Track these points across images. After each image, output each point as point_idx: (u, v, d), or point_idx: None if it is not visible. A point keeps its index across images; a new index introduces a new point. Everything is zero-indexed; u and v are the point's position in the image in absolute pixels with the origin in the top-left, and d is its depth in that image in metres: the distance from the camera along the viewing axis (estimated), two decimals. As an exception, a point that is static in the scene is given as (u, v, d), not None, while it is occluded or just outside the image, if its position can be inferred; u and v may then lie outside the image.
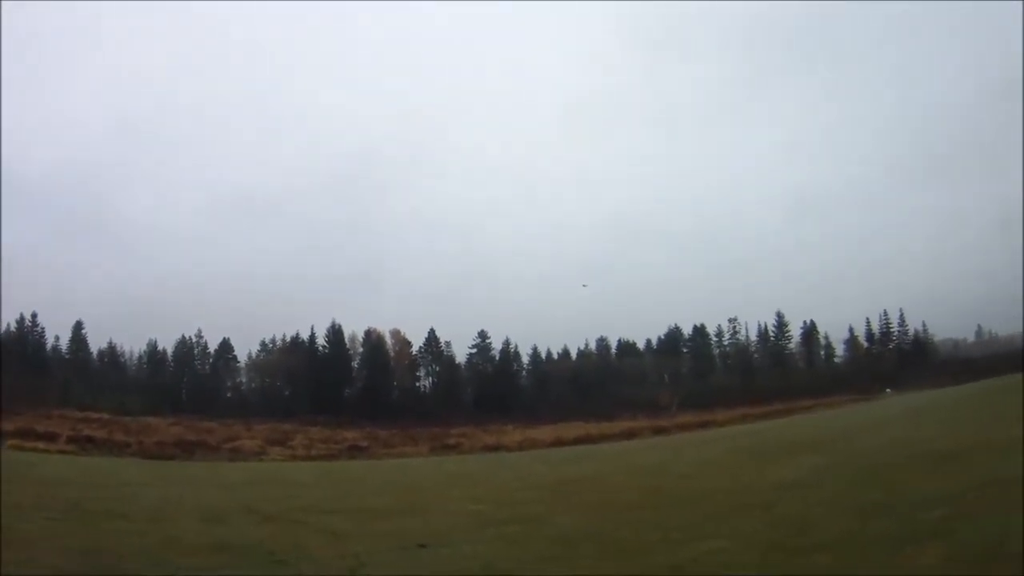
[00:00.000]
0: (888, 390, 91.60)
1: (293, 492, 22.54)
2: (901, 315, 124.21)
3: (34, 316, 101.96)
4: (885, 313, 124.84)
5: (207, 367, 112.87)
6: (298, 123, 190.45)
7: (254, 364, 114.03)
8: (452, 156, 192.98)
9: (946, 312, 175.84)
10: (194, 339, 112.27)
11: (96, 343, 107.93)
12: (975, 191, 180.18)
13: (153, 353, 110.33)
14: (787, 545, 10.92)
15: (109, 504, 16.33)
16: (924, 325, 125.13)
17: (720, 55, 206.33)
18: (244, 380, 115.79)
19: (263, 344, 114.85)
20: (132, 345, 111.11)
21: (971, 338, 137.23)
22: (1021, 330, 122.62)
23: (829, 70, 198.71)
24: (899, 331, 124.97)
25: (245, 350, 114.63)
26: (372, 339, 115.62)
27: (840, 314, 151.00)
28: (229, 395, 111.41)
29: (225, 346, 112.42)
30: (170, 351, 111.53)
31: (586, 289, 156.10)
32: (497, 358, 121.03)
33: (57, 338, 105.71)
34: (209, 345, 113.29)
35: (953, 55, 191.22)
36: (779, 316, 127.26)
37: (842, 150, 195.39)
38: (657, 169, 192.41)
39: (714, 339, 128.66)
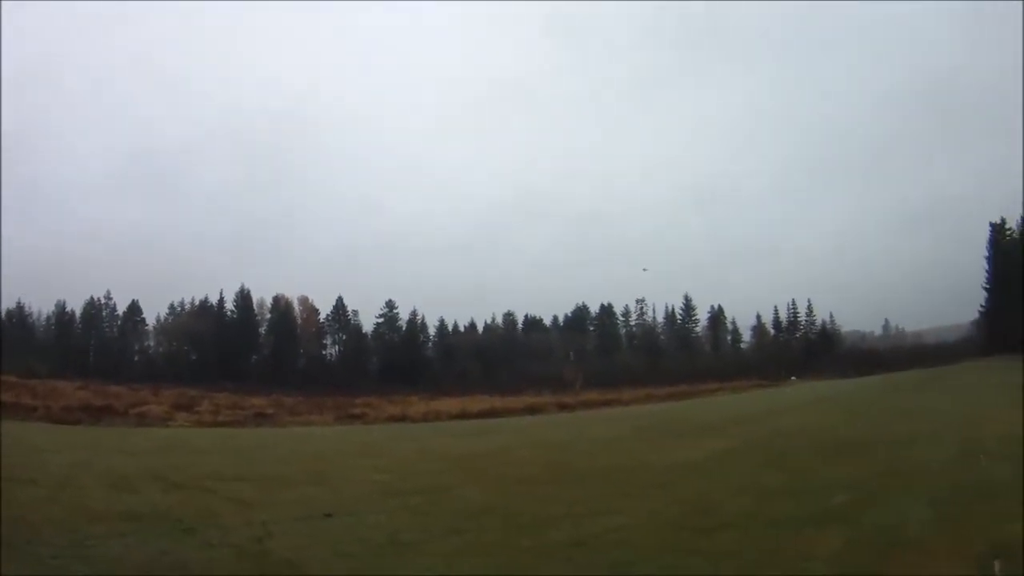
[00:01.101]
0: (793, 378, 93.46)
1: (200, 459, 22.41)
2: (809, 305, 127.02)
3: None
4: (793, 302, 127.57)
5: (115, 330, 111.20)
6: (213, 85, 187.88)
7: (162, 328, 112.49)
8: (366, 127, 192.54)
9: (854, 305, 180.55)
10: (103, 300, 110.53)
11: (4, 304, 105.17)
12: (887, 192, 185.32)
13: (61, 314, 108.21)
14: (689, 524, 11.22)
15: (18, 471, 15.98)
16: (831, 316, 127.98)
17: (635, 47, 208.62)
18: (152, 344, 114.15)
19: (172, 307, 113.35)
20: (40, 306, 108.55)
21: (878, 331, 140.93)
22: (929, 326, 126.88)
23: (748, 65, 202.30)
24: (806, 320, 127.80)
25: (154, 313, 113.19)
26: (280, 305, 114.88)
27: (748, 301, 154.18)
28: (137, 359, 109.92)
29: (134, 308, 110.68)
30: (79, 312, 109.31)
31: (500, 263, 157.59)
32: (404, 328, 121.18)
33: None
34: (118, 307, 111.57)
35: (866, 60, 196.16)
36: (687, 299, 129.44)
37: (757, 143, 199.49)
38: (569, 151, 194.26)
39: (621, 318, 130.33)
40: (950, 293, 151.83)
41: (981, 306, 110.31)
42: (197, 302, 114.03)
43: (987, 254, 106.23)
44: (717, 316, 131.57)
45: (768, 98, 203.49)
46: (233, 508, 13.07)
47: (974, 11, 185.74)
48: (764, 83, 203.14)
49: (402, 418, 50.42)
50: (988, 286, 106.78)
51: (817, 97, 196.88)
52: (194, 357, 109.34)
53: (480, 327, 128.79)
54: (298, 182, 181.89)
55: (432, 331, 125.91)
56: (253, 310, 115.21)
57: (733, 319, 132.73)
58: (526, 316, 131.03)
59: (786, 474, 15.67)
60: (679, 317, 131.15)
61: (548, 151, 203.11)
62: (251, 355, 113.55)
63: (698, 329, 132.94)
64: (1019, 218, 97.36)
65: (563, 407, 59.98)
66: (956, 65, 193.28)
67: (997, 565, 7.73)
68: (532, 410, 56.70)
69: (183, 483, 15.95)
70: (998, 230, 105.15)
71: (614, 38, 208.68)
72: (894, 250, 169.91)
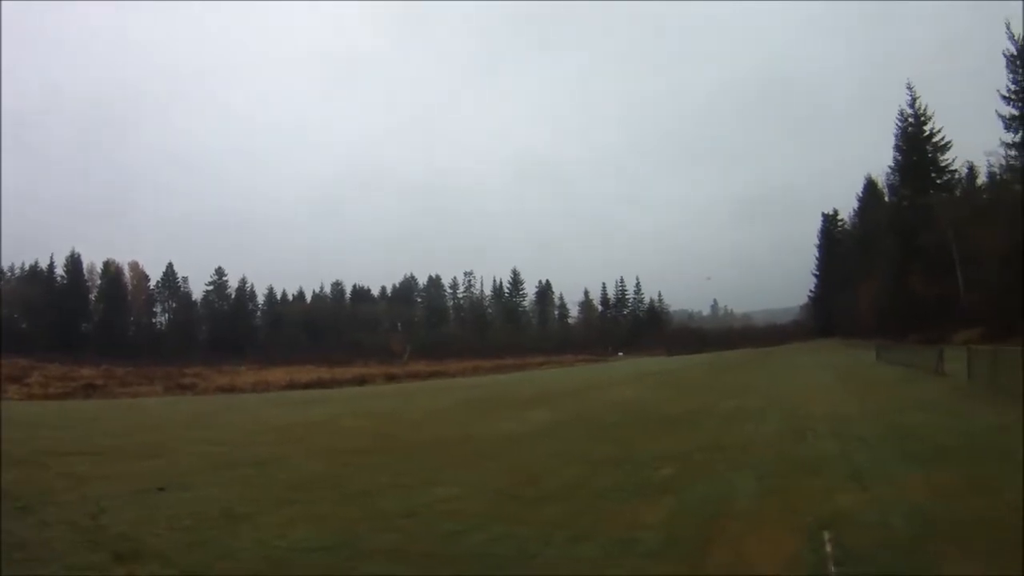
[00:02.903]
0: (621, 353, 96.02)
1: (32, 433, 21.89)
2: (637, 283, 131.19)
3: None
4: (621, 280, 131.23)
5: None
6: (52, 46, 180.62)
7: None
8: (203, 97, 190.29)
9: (684, 286, 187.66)
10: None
11: None
12: (721, 180, 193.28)
13: None
14: (517, 494, 11.45)
15: None
16: (660, 295, 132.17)
17: (476, 28, 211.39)
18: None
19: (0, 272, 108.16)
20: None
21: (706, 311, 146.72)
22: (759, 309, 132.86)
23: (592, 50, 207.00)
24: (634, 298, 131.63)
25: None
26: (111, 271, 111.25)
27: (577, 277, 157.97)
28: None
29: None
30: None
31: (331, 234, 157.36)
32: (233, 296, 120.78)
33: None
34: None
35: (709, 53, 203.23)
36: (515, 273, 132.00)
37: (593, 126, 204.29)
38: (405, 128, 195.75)
39: (449, 291, 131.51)
40: (781, 279, 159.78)
41: (810, 291, 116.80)
42: (27, 267, 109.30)
43: (818, 243, 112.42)
44: (545, 291, 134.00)
45: (609, 85, 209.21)
46: (67, 484, 12.86)
47: (820, 12, 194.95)
48: (608, 71, 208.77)
49: (231, 389, 50.74)
50: (818, 273, 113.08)
51: (658, 85, 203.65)
52: (24, 325, 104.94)
53: (309, 296, 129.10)
54: (133, 147, 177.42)
55: (261, 300, 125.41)
56: (84, 276, 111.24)
57: (561, 294, 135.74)
58: (354, 286, 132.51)
59: (613, 446, 15.99)
60: (507, 291, 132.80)
61: (384, 127, 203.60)
62: (82, 323, 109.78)
63: (525, 303, 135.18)
64: (852, 210, 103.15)
65: (390, 378, 61.52)
66: (798, 64, 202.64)
67: (827, 535, 8.08)
68: (360, 381, 57.89)
69: (17, 459, 15.52)
70: (830, 220, 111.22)
71: (454, 19, 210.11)
72: (726, 236, 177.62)
